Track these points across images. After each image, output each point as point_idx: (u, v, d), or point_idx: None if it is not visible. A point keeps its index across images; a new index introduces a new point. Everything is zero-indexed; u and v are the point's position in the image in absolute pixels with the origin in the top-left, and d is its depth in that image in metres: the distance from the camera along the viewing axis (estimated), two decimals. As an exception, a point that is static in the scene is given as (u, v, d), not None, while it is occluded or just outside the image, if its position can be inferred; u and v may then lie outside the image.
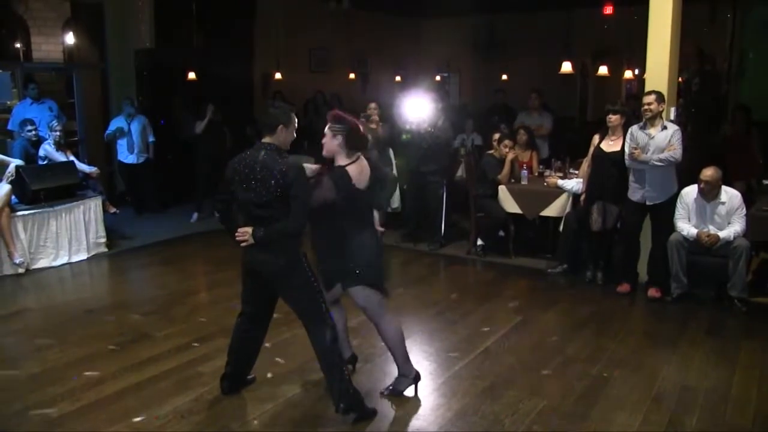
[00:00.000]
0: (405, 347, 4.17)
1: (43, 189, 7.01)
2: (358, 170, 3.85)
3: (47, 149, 7.60)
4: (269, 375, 4.46)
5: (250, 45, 12.15)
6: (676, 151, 5.72)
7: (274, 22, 12.38)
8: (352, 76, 14.58)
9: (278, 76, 12.41)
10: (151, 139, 9.56)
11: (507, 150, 7.33)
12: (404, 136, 7.94)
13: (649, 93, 5.84)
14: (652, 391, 4.26)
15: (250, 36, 12.14)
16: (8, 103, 9.83)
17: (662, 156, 5.72)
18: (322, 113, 12.41)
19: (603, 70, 11.13)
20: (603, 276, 6.45)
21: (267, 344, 4.54)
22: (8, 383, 4.38)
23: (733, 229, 5.69)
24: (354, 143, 3.88)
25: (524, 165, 7.48)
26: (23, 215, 6.87)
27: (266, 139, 3.70)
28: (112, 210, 7.97)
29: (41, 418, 3.90)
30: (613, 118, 6.17)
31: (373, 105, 8.07)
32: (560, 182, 6.97)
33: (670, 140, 5.75)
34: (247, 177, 3.63)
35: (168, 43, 10.47)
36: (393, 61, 15.12)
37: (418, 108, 7.61)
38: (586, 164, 6.56)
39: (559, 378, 4.47)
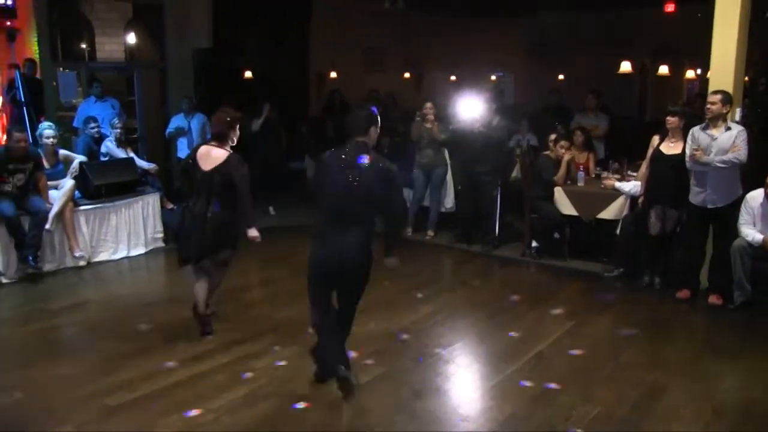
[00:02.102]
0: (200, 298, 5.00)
1: (105, 184, 7.20)
2: (203, 152, 4.81)
3: (109, 146, 7.82)
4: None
5: (306, 44, 12.26)
6: (740, 152, 5.51)
7: (329, 22, 12.47)
8: (407, 75, 14.56)
9: (333, 75, 12.50)
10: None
11: (563, 151, 7.21)
12: (442, 136, 7.86)
13: (716, 93, 5.65)
14: (712, 402, 4.12)
15: (306, 35, 12.26)
16: (74, 101, 10.15)
17: (725, 157, 5.53)
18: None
19: (663, 69, 10.85)
20: (661, 281, 6.27)
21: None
22: (70, 372, 4.51)
23: (802, 235, 5.46)
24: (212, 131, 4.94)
25: (581, 166, 7.34)
26: (85, 209, 7.08)
27: (360, 139, 3.97)
28: (170, 206, 8.14)
29: (99, 407, 4.01)
30: (672, 120, 5.99)
31: (429, 105, 8.03)
32: (618, 184, 6.81)
33: (734, 141, 5.55)
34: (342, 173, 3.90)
35: (225, 42, 10.65)
36: (448, 61, 15.05)
37: (471, 108, 7.55)
38: (644, 166, 6.40)
39: (613, 384, 4.37)
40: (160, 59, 10.64)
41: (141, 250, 7.54)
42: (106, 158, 7.75)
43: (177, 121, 9.58)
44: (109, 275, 6.90)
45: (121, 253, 7.36)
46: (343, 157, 3.95)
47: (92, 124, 8.02)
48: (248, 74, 10.52)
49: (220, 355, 4.76)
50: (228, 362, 4.64)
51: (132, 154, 8.02)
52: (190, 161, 4.89)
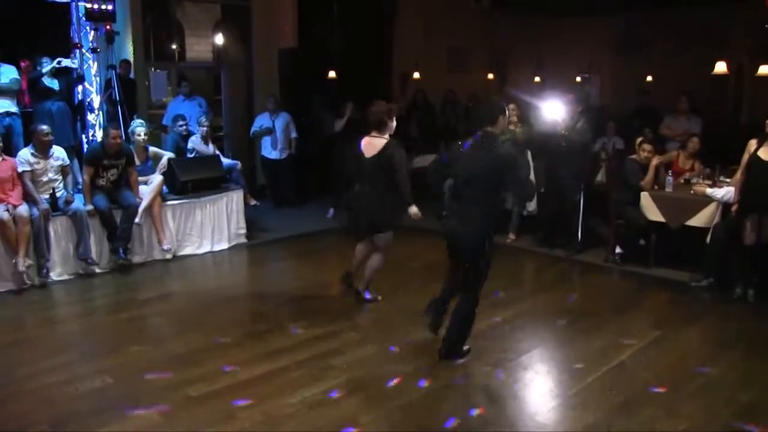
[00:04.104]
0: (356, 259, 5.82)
1: (191, 180, 7.42)
2: (366, 142, 5.31)
3: (195, 143, 8.06)
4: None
5: (390, 44, 12.27)
6: None
7: (413, 21, 12.47)
8: (490, 76, 14.40)
9: (416, 75, 12.48)
10: (293, 135, 9.89)
11: (645, 154, 6.97)
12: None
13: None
14: (815, 428, 3.87)
15: (391, 35, 12.26)
16: (163, 99, 10.54)
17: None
18: (457, 112, 12.37)
19: (764, 69, 10.25)
20: (755, 293, 5.94)
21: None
22: (156, 360, 4.68)
23: None
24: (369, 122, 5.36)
25: (676, 170, 7.04)
26: (172, 204, 7.32)
27: (489, 128, 4.37)
28: (253, 203, 8.32)
29: (186, 396, 4.14)
30: (771, 125, 5.68)
31: (512, 106, 7.89)
32: (709, 191, 6.52)
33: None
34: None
35: (310, 42, 10.79)
36: (532, 61, 14.80)
37: (553, 110, 7.37)
38: (739, 172, 6.09)
39: (701, 401, 4.16)
40: (247, 59, 10.89)
41: (224, 245, 7.73)
42: (193, 155, 7.99)
43: (262, 120, 9.80)
44: (193, 269, 7.12)
45: (205, 248, 7.57)
46: (474, 144, 4.36)
47: (180, 122, 8.29)
48: (332, 74, 10.63)
49: (298, 351, 4.82)
50: (306, 359, 4.68)
51: (217, 152, 8.23)
52: (356, 152, 5.43)
